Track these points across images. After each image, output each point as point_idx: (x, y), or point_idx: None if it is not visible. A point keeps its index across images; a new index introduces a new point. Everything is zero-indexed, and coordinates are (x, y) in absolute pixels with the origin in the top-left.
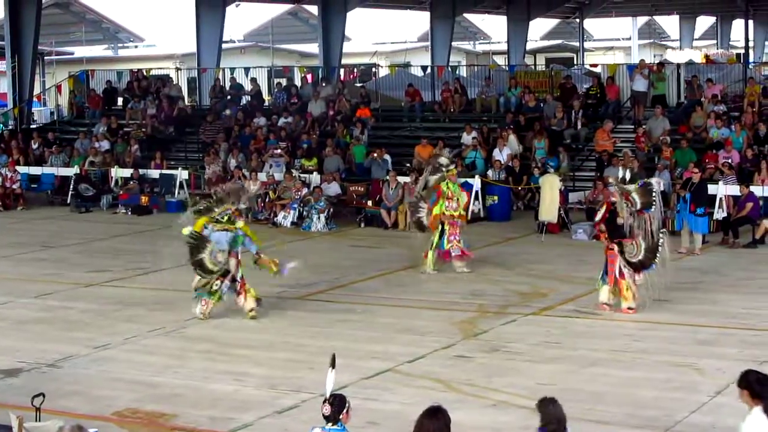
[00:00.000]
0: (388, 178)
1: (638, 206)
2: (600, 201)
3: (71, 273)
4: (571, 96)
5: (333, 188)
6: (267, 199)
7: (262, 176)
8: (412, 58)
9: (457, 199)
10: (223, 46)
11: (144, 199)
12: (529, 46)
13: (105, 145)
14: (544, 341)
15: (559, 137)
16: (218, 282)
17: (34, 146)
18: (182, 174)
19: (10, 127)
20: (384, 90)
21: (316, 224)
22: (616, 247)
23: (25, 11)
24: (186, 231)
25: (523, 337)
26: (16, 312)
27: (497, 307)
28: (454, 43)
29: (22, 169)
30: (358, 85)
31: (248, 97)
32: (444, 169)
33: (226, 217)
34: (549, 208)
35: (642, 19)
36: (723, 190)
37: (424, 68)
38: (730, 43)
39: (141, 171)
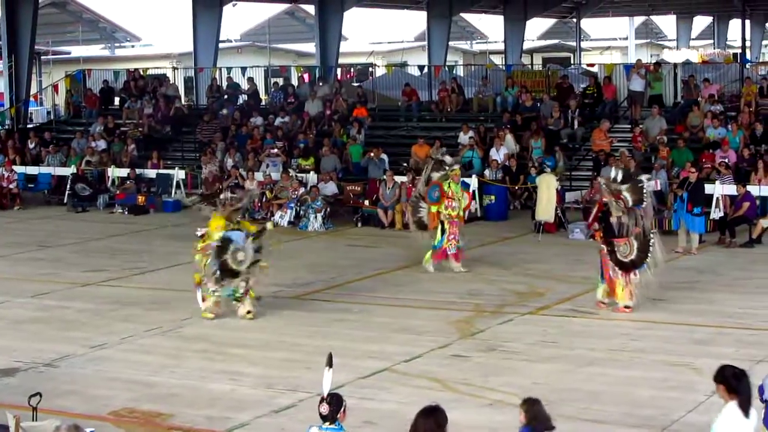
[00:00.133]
0: (384, 177)
1: (630, 203)
2: (596, 200)
3: (68, 272)
4: (568, 96)
5: (330, 188)
6: (264, 199)
7: (259, 176)
8: (409, 58)
9: (459, 200)
10: (220, 45)
11: (141, 198)
12: (526, 45)
13: (102, 144)
14: (541, 341)
15: (556, 137)
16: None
17: (31, 146)
18: (179, 174)
19: (7, 127)
20: (381, 89)
21: (312, 224)
22: (604, 248)
23: (21, 11)
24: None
25: (519, 336)
26: (12, 311)
27: (494, 306)
28: (451, 43)
29: (19, 169)
30: (355, 84)
31: (245, 97)
32: (447, 168)
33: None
34: (546, 208)
35: (639, 19)
36: (720, 189)
37: (421, 68)
38: (727, 42)
39: (138, 170)
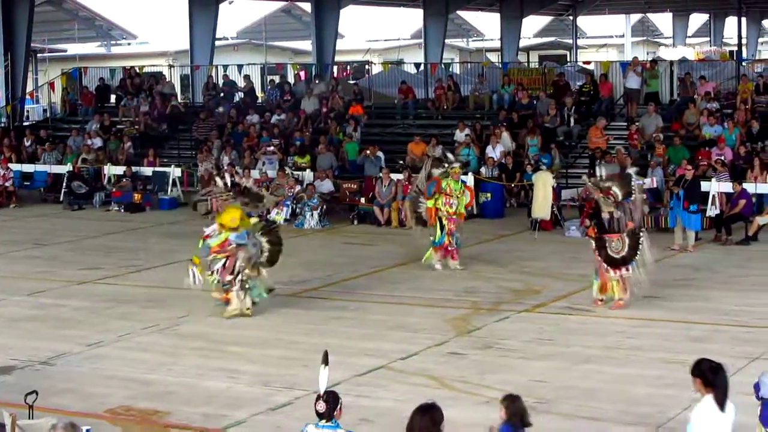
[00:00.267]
0: (381, 175)
1: (619, 198)
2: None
3: (64, 270)
4: (565, 93)
5: (326, 185)
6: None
7: (255, 173)
8: (406, 56)
9: (457, 198)
10: (216, 43)
11: (137, 196)
12: (523, 43)
13: (98, 142)
14: (537, 338)
15: (552, 134)
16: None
17: (27, 144)
18: (175, 171)
19: (3, 125)
20: (377, 87)
21: (309, 221)
22: (593, 243)
23: (17, 8)
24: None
25: (516, 334)
26: (8, 310)
27: (490, 304)
28: (447, 41)
29: (15, 167)
30: (352, 82)
31: (241, 95)
32: (447, 165)
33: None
34: (542, 206)
35: (635, 17)
36: (716, 187)
37: (417, 65)
38: (723, 40)
39: (134, 168)
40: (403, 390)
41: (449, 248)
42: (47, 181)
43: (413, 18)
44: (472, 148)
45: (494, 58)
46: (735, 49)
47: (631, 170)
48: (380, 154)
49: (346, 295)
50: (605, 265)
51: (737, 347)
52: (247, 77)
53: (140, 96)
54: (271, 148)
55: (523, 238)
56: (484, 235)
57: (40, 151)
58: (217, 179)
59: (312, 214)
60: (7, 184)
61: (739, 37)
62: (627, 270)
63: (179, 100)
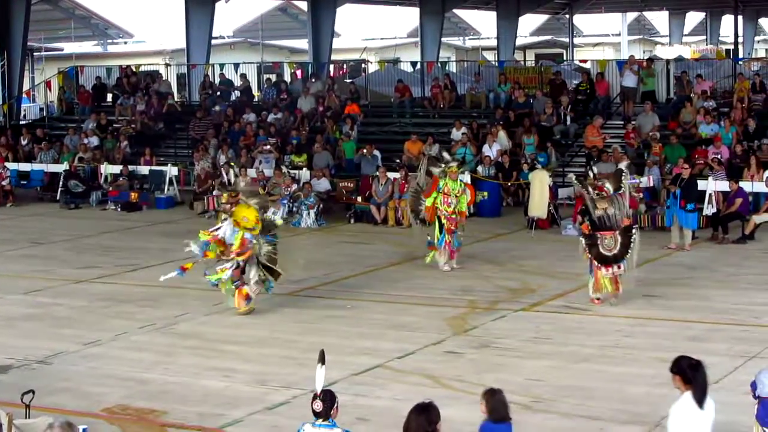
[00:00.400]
0: (377, 174)
1: (611, 192)
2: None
3: (61, 269)
4: (561, 92)
5: (323, 184)
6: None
7: (252, 172)
8: (402, 54)
9: (456, 197)
10: (213, 41)
11: (133, 195)
12: (519, 41)
13: (94, 141)
14: (534, 337)
15: (549, 133)
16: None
17: (24, 142)
18: (172, 170)
19: (0, 124)
20: (373, 86)
21: (305, 220)
22: (582, 242)
23: (14, 7)
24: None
25: (513, 333)
26: (5, 309)
27: (487, 303)
28: (443, 39)
29: (12, 166)
30: (348, 81)
31: (238, 93)
32: (444, 165)
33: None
34: (538, 204)
35: (631, 15)
36: (712, 185)
37: (413, 64)
38: (720, 39)
39: (130, 167)
40: (400, 389)
41: (451, 248)
42: (44, 180)
43: (409, 16)
44: (469, 147)
45: (491, 56)
46: (731, 47)
47: (623, 164)
48: (377, 152)
49: (342, 294)
50: (596, 263)
51: (734, 346)
52: (243, 76)
53: (137, 95)
54: (268, 146)
55: (519, 236)
56: (481, 234)
57: (36, 150)
58: (238, 179)
59: (309, 213)
60: (3, 183)
61: (736, 35)
62: (619, 268)
63: (176, 98)
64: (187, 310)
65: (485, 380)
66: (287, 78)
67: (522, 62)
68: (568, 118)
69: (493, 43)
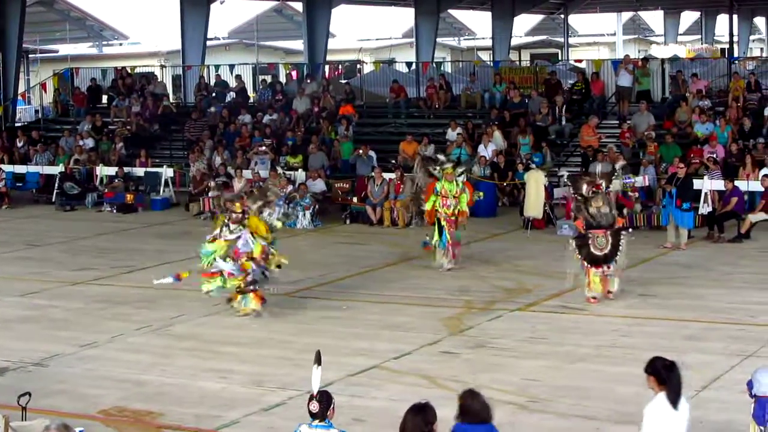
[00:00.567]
0: (373, 174)
1: (604, 189)
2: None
3: (57, 271)
4: (556, 92)
5: (318, 185)
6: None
7: (248, 173)
8: (397, 55)
9: (455, 198)
10: (208, 43)
11: (129, 197)
12: (514, 41)
13: (90, 143)
14: (530, 337)
15: (544, 133)
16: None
17: (19, 145)
18: (167, 172)
19: None
20: (369, 86)
21: (301, 221)
22: (572, 244)
23: (9, 9)
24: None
25: (508, 333)
26: (1, 311)
27: (483, 303)
28: (438, 39)
29: (7, 168)
30: (343, 81)
31: (233, 94)
32: (439, 167)
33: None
34: (534, 204)
35: (626, 15)
36: (708, 185)
37: (408, 64)
38: (715, 38)
39: (126, 169)
40: (396, 389)
41: (453, 249)
42: (39, 182)
43: (405, 17)
44: (464, 147)
45: (486, 56)
46: (726, 46)
47: (619, 164)
48: (372, 153)
49: (338, 295)
50: (585, 263)
51: (730, 345)
52: (238, 77)
53: (132, 96)
54: (263, 148)
55: (515, 236)
56: (477, 234)
57: (32, 152)
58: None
59: (304, 214)
60: None
61: (731, 34)
62: (609, 267)
63: (171, 100)
64: (183, 311)
65: (481, 380)
66: (282, 79)
67: (517, 62)
68: (564, 118)
69: (488, 43)
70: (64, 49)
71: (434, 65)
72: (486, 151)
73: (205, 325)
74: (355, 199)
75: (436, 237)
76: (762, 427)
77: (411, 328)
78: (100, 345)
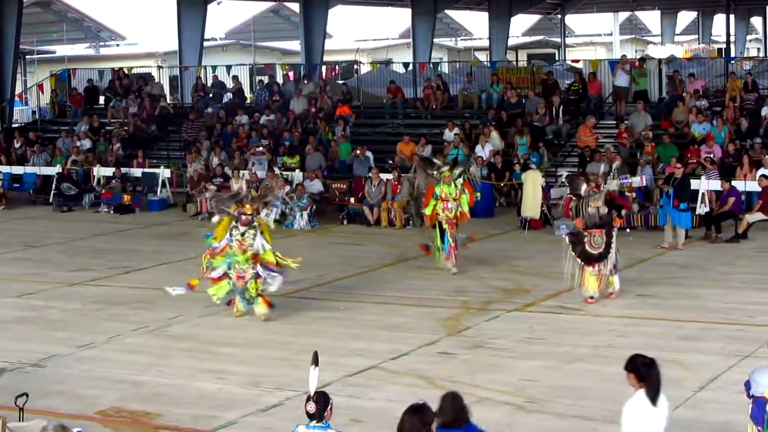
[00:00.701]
0: (370, 175)
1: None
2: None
3: (54, 272)
4: (553, 92)
5: (315, 186)
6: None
7: (245, 174)
8: (394, 55)
9: (455, 200)
10: (205, 44)
11: (126, 197)
12: (511, 42)
13: (87, 143)
14: (528, 337)
15: (541, 133)
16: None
17: (17, 145)
18: (164, 172)
19: None
20: (366, 87)
21: (298, 222)
22: (566, 240)
23: (6, 10)
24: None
25: (506, 333)
26: None
27: (480, 303)
28: (435, 40)
29: (4, 169)
30: (340, 82)
31: (230, 95)
32: (436, 170)
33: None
34: (531, 204)
35: (623, 15)
36: (705, 185)
37: (405, 65)
38: (712, 38)
39: (123, 170)
40: (394, 390)
41: (455, 251)
42: (36, 183)
43: (402, 17)
44: (462, 147)
45: (483, 57)
46: (723, 46)
47: (615, 164)
48: (369, 154)
49: (336, 296)
50: (580, 261)
51: (728, 345)
52: (235, 78)
53: (129, 97)
54: (261, 148)
55: (512, 237)
56: (474, 235)
57: (29, 153)
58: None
59: (302, 215)
60: None
61: (728, 34)
62: (604, 266)
63: (168, 101)
64: (180, 312)
65: (478, 381)
66: (279, 80)
67: (514, 62)
68: (561, 118)
69: (485, 43)
70: (61, 50)
71: (431, 66)
72: (483, 151)
73: (202, 325)
74: (352, 200)
75: (438, 241)
76: (760, 428)
77: (408, 329)
78: (97, 346)
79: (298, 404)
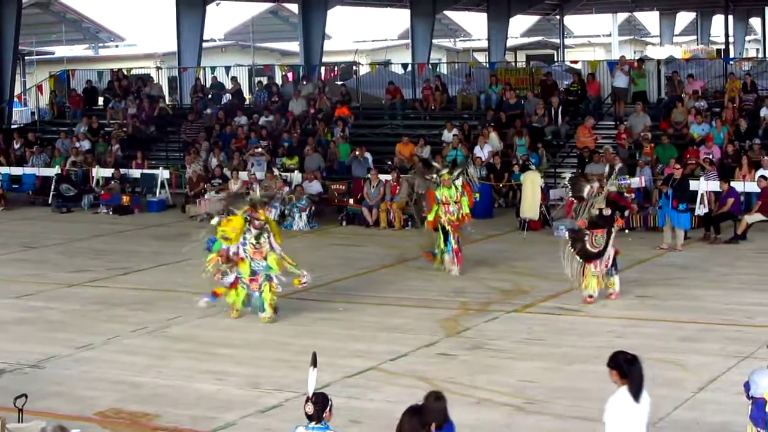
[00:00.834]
0: (369, 176)
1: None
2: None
3: (53, 273)
4: (552, 93)
5: (314, 187)
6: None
7: (244, 175)
8: (393, 56)
9: (455, 203)
10: (204, 45)
11: (125, 198)
12: (510, 43)
13: (86, 144)
14: (527, 338)
15: (540, 134)
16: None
17: (16, 146)
18: (163, 173)
19: None
20: (365, 88)
21: (297, 223)
22: (566, 235)
23: (5, 11)
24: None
25: (505, 334)
26: None
27: (479, 304)
28: (434, 41)
29: (3, 170)
30: (339, 83)
31: (229, 96)
32: (435, 174)
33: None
34: (530, 205)
35: (622, 16)
36: (704, 186)
37: (404, 66)
38: (710, 38)
39: (122, 171)
40: (393, 391)
41: (459, 254)
42: (35, 184)
43: (400, 18)
44: (460, 148)
45: (481, 58)
46: (722, 47)
47: (618, 166)
48: (368, 155)
49: (335, 297)
50: (579, 258)
51: (727, 346)
52: (234, 79)
53: (128, 98)
54: (260, 149)
55: (511, 238)
56: (473, 236)
57: (28, 153)
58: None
59: (300, 216)
60: None
61: (726, 35)
62: (606, 266)
63: (167, 102)
64: (179, 313)
65: (478, 382)
66: (278, 81)
67: (513, 63)
68: (560, 119)
69: (484, 44)
70: (60, 51)
71: (430, 67)
72: (482, 152)
73: (201, 326)
74: (351, 201)
75: (441, 244)
76: (759, 429)
77: (408, 330)
78: (96, 347)
79: (297, 405)
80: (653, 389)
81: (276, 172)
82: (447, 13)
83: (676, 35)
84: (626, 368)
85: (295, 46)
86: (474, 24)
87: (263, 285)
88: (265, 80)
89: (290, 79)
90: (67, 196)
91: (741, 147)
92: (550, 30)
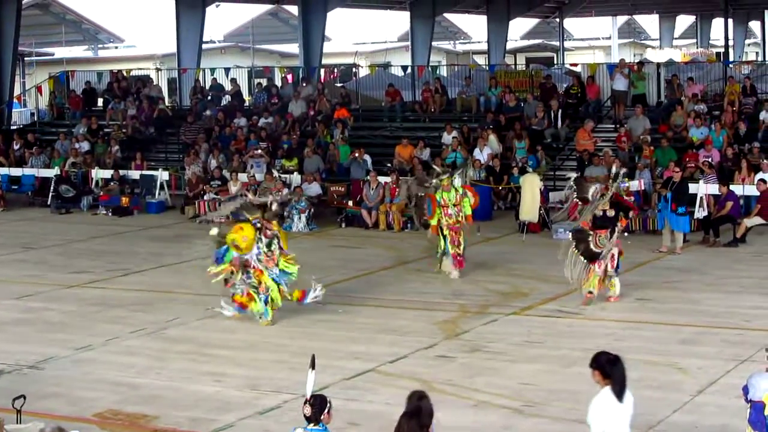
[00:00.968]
0: (368, 178)
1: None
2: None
3: (52, 274)
4: (552, 95)
5: (314, 188)
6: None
7: (243, 177)
8: (393, 58)
9: (455, 206)
10: (204, 46)
11: (124, 200)
12: (509, 45)
13: (85, 146)
14: (526, 341)
15: (540, 137)
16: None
17: (15, 147)
18: (163, 175)
19: None
20: (364, 90)
21: (296, 224)
22: (570, 235)
23: (4, 12)
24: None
25: (504, 336)
26: None
27: (478, 306)
28: (434, 43)
29: (3, 171)
30: (339, 85)
31: (228, 98)
32: (436, 179)
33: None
34: (530, 208)
35: (622, 19)
36: (703, 189)
37: (404, 68)
38: (710, 42)
39: (121, 172)
40: (392, 393)
41: (458, 257)
42: (35, 185)
43: (400, 21)
44: (460, 150)
45: (481, 60)
46: (722, 50)
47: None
48: (367, 157)
49: (334, 299)
50: (582, 259)
51: (725, 349)
52: (234, 80)
53: (127, 99)
54: (259, 151)
55: (511, 240)
56: (472, 238)
57: (27, 154)
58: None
59: (300, 218)
60: None
61: (726, 38)
62: (610, 265)
63: (166, 103)
64: (178, 314)
65: (476, 384)
66: (278, 82)
67: (512, 66)
68: (559, 122)
69: (484, 46)
70: (60, 52)
71: (430, 69)
72: (481, 154)
73: (200, 328)
74: (350, 203)
75: (441, 245)
76: None
77: (407, 332)
78: (95, 348)
79: (295, 407)
80: (651, 392)
81: (275, 173)
82: (447, 15)
83: (676, 38)
84: (608, 369)
85: (294, 48)
86: (474, 26)
87: (271, 288)
88: (264, 82)
89: (290, 80)
90: (66, 197)
91: (740, 150)
92: (550, 33)
